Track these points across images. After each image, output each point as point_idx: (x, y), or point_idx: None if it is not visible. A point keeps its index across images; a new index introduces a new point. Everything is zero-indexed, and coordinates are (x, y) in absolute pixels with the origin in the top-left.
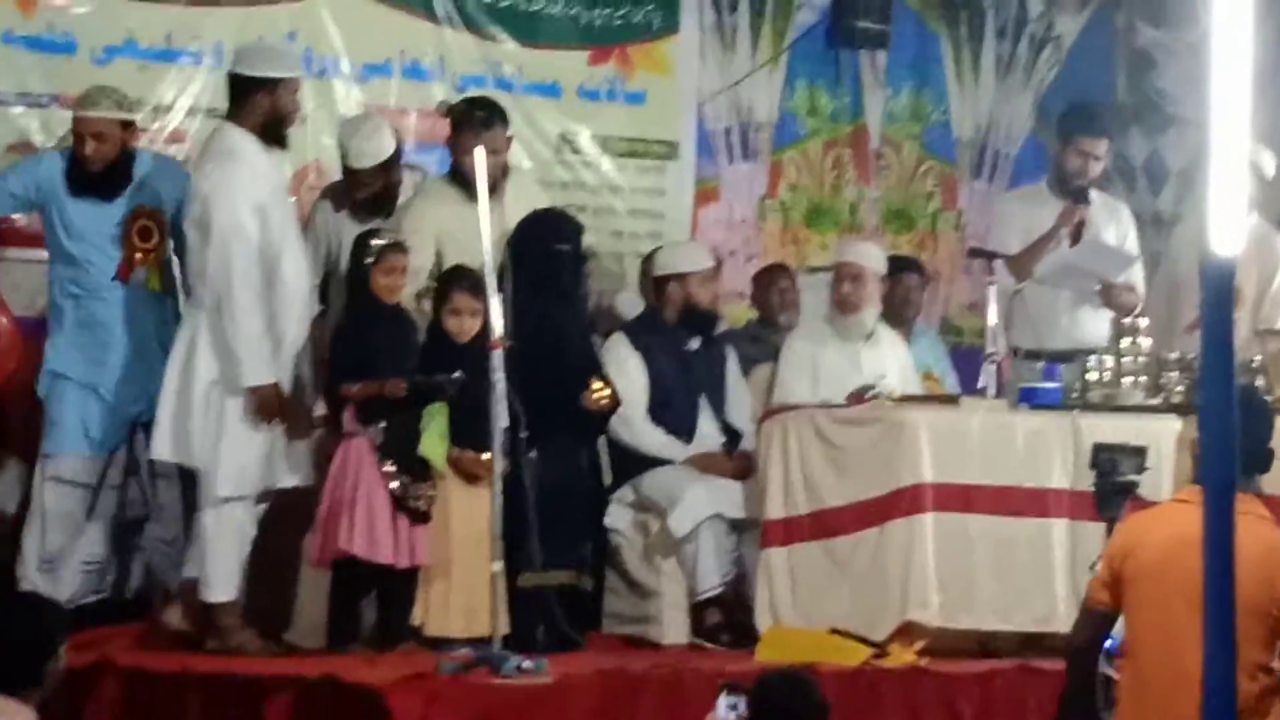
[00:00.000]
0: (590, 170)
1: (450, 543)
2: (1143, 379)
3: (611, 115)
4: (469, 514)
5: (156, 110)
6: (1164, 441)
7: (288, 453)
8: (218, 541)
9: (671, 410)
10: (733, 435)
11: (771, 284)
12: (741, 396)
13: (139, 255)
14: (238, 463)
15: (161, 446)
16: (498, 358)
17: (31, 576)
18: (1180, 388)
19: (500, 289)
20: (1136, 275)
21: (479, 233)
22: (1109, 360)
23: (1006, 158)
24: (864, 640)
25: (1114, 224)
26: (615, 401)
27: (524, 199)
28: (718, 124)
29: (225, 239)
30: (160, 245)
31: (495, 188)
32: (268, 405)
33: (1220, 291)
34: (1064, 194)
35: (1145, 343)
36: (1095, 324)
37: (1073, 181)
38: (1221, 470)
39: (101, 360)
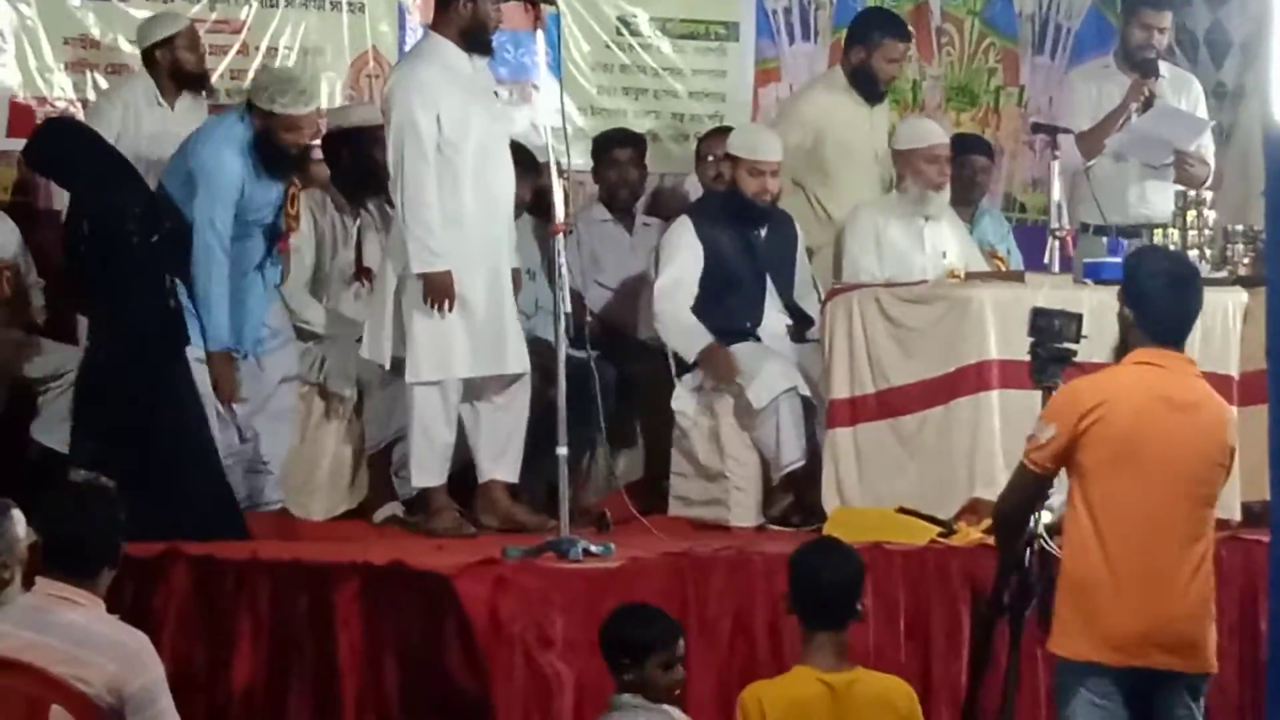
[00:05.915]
0: (650, 52)
1: None
2: (1209, 251)
3: None
4: None
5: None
6: (1230, 313)
7: (496, 342)
8: (420, 427)
9: (737, 294)
10: (799, 318)
11: None
12: (808, 279)
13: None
14: (426, 350)
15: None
16: (560, 242)
17: None
18: (1246, 260)
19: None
20: (1207, 147)
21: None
22: (1174, 233)
23: (1068, 32)
24: (931, 519)
25: (1184, 97)
26: None
27: None
28: (777, 4)
29: (399, 133)
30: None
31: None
32: (438, 291)
33: None
34: (1132, 68)
35: (1211, 215)
36: (1163, 199)
37: (1137, 55)
38: None
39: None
